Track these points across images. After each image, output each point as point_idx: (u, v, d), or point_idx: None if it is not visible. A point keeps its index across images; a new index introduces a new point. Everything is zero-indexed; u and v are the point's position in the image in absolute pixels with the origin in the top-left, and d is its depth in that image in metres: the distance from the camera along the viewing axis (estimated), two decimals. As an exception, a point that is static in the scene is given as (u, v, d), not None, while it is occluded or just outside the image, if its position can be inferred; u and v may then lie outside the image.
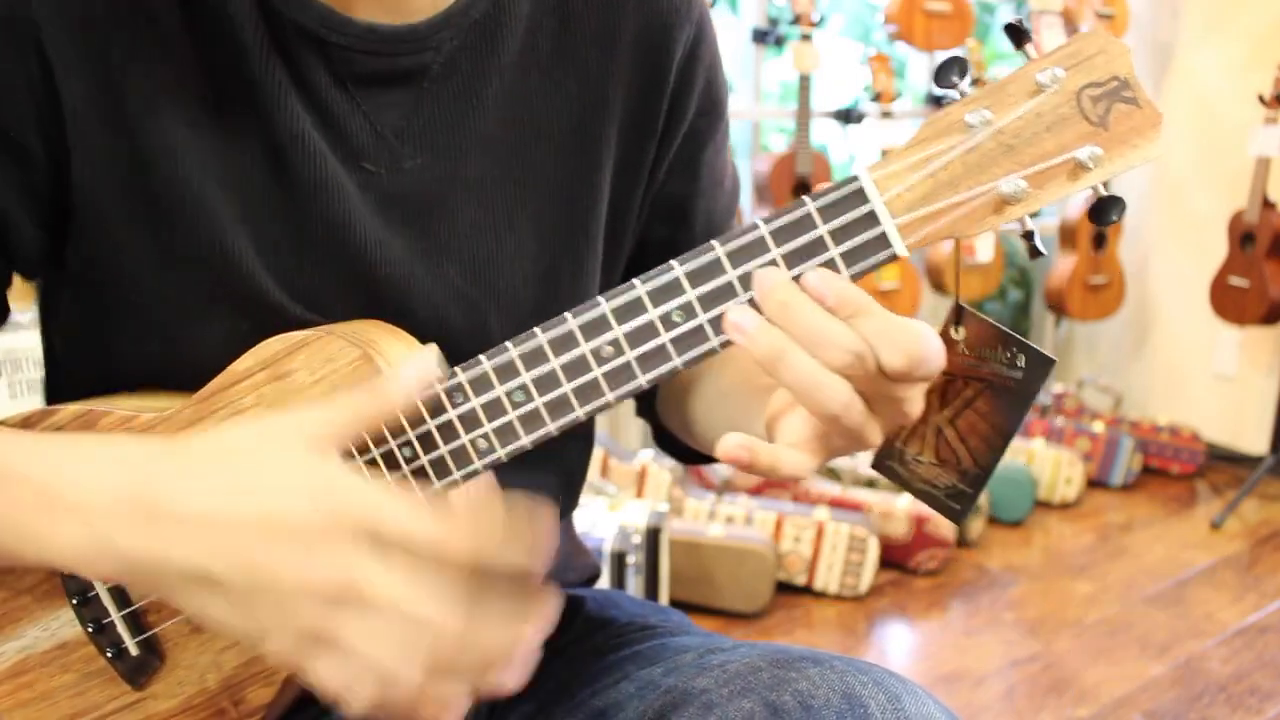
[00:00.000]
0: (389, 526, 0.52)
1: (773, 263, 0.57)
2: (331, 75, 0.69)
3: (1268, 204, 2.96)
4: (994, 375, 0.62)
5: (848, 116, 2.99)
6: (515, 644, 0.54)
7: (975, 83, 3.01)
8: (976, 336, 0.63)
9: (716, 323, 0.58)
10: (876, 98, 2.97)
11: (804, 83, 2.73)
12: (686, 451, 0.88)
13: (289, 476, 0.54)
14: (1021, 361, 0.60)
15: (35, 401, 0.79)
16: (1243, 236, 3.01)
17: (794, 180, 2.76)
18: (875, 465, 0.69)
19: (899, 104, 3.02)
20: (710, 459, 0.87)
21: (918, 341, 0.54)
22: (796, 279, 0.57)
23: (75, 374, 0.76)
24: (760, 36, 2.86)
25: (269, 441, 0.56)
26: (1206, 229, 3.17)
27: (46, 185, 0.67)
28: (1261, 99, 2.93)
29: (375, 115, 0.70)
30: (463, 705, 0.54)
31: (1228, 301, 3.06)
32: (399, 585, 0.52)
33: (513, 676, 0.54)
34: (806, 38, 2.71)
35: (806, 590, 2.44)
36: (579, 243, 0.77)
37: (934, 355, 0.55)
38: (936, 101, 3.25)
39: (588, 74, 0.76)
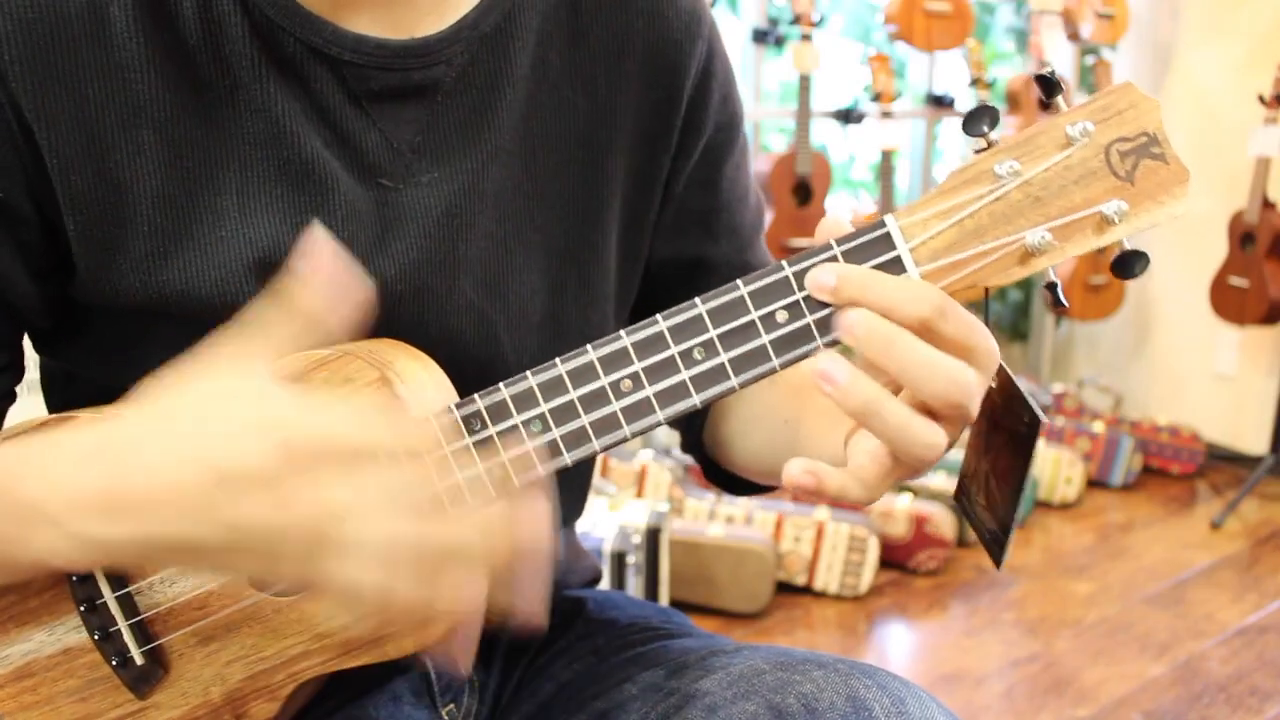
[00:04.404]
0: (342, 441, 0.52)
1: (796, 303, 0.57)
2: (345, 93, 0.68)
3: (1268, 204, 2.96)
4: (1013, 427, 0.63)
5: (848, 116, 2.99)
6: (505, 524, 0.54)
7: (975, 83, 3.01)
8: (1002, 384, 0.63)
9: (736, 361, 0.58)
10: (876, 98, 2.97)
11: (804, 83, 2.73)
12: (737, 483, 0.87)
13: (232, 421, 0.53)
14: (1026, 417, 0.61)
15: (36, 401, 0.79)
16: (1243, 236, 3.01)
17: (794, 180, 2.76)
18: (955, 498, 0.71)
19: (899, 104, 3.02)
20: (761, 488, 0.86)
21: (934, 291, 0.55)
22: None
23: (79, 388, 0.76)
24: (760, 36, 2.86)
25: (205, 390, 0.55)
26: (1206, 229, 3.17)
27: (41, 239, 0.67)
28: (1261, 99, 2.94)
29: (390, 131, 0.70)
30: (477, 592, 0.54)
31: (1228, 301, 3.06)
32: (371, 495, 0.51)
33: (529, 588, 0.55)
34: (806, 38, 2.71)
35: (806, 590, 2.44)
36: (585, 256, 0.77)
37: (988, 337, 0.56)
38: (936, 101, 3.25)
39: (596, 89, 0.76)
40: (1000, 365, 0.61)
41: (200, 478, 0.52)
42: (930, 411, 0.56)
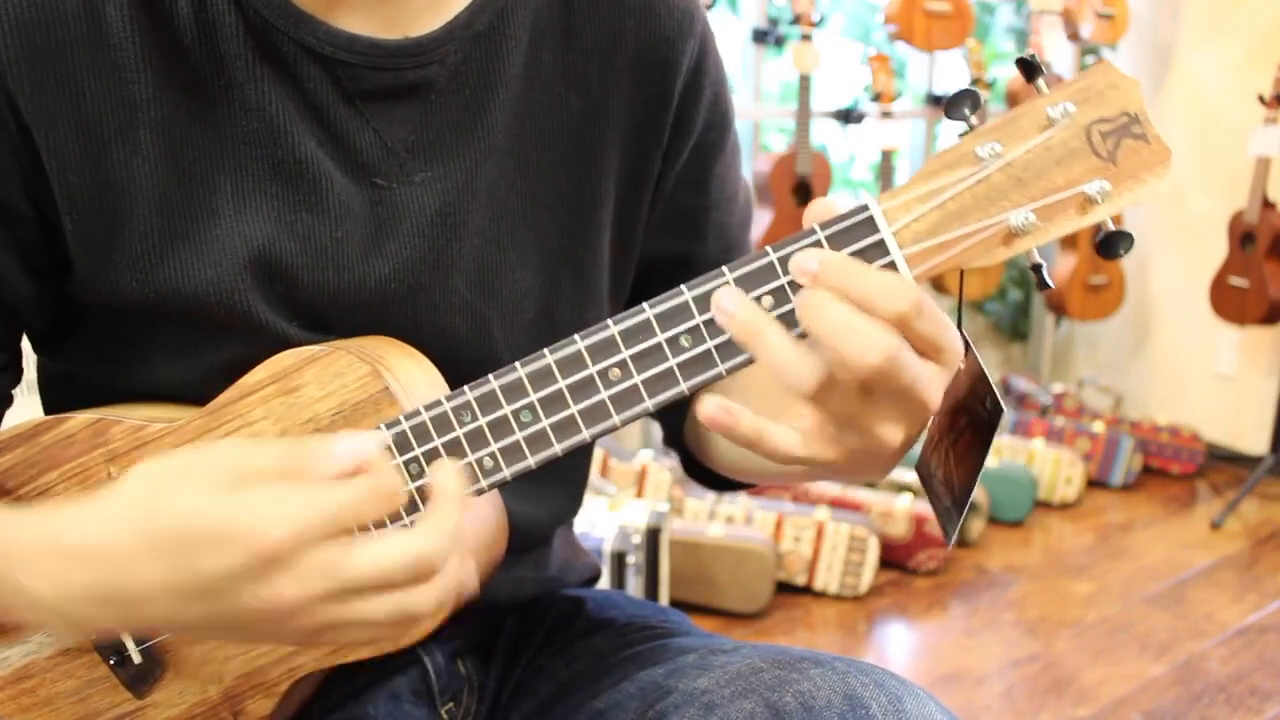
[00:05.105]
0: (317, 530, 0.53)
1: (781, 288, 0.57)
2: (339, 92, 0.68)
3: (1268, 204, 2.96)
4: (976, 411, 0.63)
5: (848, 116, 2.99)
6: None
7: (975, 83, 3.01)
8: (970, 369, 0.63)
9: (723, 348, 0.58)
10: (876, 98, 2.97)
11: (804, 83, 2.73)
12: (717, 480, 0.88)
13: (209, 528, 0.53)
14: (988, 403, 0.62)
15: (34, 401, 0.79)
16: (1243, 236, 3.01)
17: (794, 180, 2.76)
18: (916, 468, 0.71)
19: (899, 104, 3.02)
20: (739, 485, 0.87)
21: (913, 288, 0.55)
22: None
23: (77, 389, 0.77)
24: (760, 36, 2.86)
25: (184, 494, 0.55)
26: (1206, 229, 3.17)
27: (38, 238, 0.67)
28: (1261, 99, 2.94)
29: (384, 130, 0.70)
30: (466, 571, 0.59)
31: (1228, 301, 3.06)
32: (350, 568, 0.54)
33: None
34: (806, 38, 2.71)
35: (806, 590, 2.44)
36: (579, 253, 0.78)
37: (957, 338, 0.56)
38: (936, 101, 3.25)
39: (588, 87, 0.76)
40: (970, 349, 0.62)
41: (186, 581, 0.54)
42: (868, 389, 0.55)
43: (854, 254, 0.56)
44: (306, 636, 0.56)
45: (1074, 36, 3.26)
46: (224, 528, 0.53)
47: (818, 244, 0.57)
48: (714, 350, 0.58)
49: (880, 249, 0.56)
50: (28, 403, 0.78)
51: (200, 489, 0.54)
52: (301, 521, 0.53)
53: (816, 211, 0.58)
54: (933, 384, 0.56)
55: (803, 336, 0.57)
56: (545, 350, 0.60)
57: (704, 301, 0.58)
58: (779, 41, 2.86)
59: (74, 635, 0.60)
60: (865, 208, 0.56)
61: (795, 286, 0.57)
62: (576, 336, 0.59)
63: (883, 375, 0.54)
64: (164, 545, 0.54)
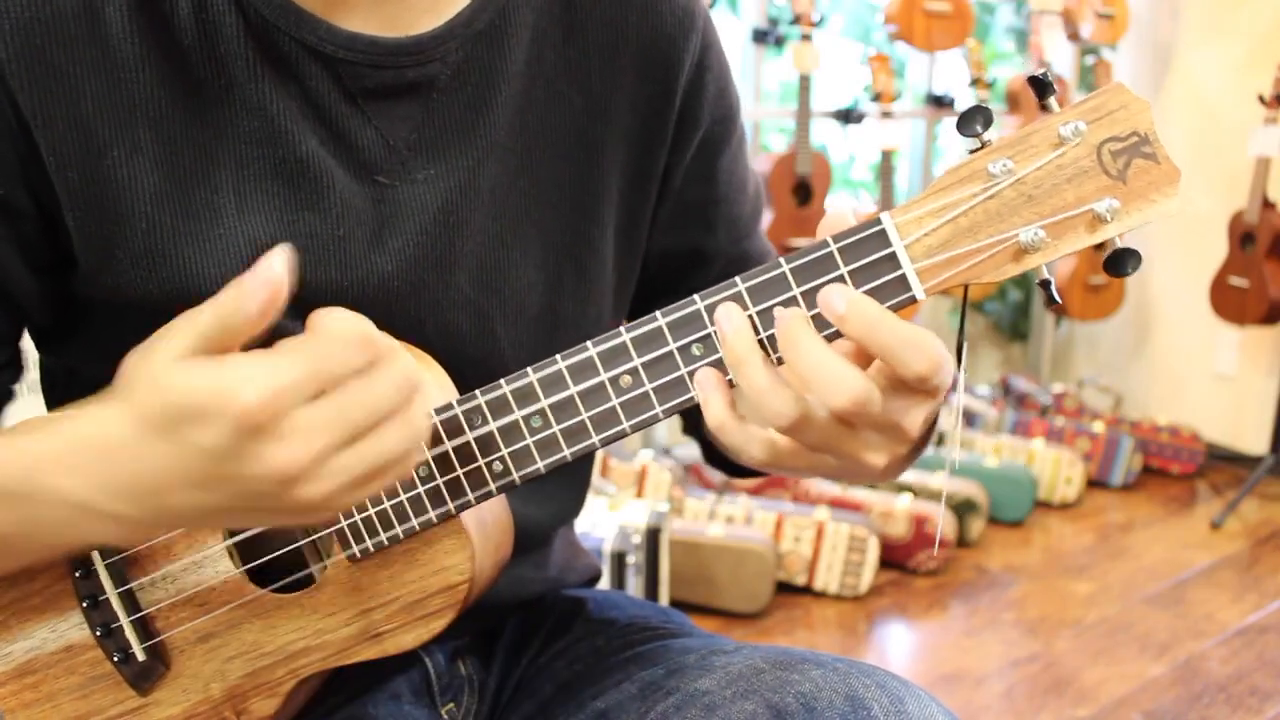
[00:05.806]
0: (288, 392, 0.52)
1: (793, 300, 0.57)
2: (341, 91, 0.69)
3: (1268, 204, 2.97)
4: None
5: (848, 116, 2.99)
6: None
7: (975, 83, 3.02)
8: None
9: None
10: (876, 98, 2.97)
11: (804, 83, 2.73)
12: (735, 468, 0.88)
13: (191, 402, 0.52)
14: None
15: (35, 401, 0.80)
16: (1243, 236, 3.01)
17: (794, 180, 2.76)
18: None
19: (899, 104, 3.02)
20: (757, 473, 0.87)
21: (937, 347, 0.56)
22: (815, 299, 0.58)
23: (79, 386, 0.77)
24: (760, 36, 2.86)
25: (164, 369, 0.54)
26: (1206, 229, 3.18)
27: (41, 234, 0.67)
28: (1261, 99, 2.94)
29: (386, 128, 0.70)
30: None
31: (1228, 301, 3.06)
32: (342, 415, 0.52)
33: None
34: (806, 38, 2.71)
35: (806, 590, 2.45)
36: (582, 250, 0.78)
37: (949, 362, 0.57)
38: (936, 101, 3.25)
39: (590, 85, 0.76)
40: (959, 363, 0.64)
41: (191, 462, 0.53)
42: (847, 421, 0.57)
43: (865, 267, 0.57)
44: (329, 499, 0.53)
45: (1074, 36, 3.26)
46: (202, 400, 0.51)
47: (830, 257, 0.57)
48: (725, 359, 0.59)
49: (892, 262, 0.57)
50: (28, 403, 0.78)
51: (178, 361, 0.53)
52: (272, 385, 0.51)
53: (830, 223, 0.58)
54: (916, 417, 0.58)
55: (783, 360, 0.58)
56: (557, 356, 0.60)
57: (714, 310, 0.58)
58: (779, 41, 2.86)
59: (122, 534, 0.57)
60: (878, 221, 0.57)
61: (809, 297, 0.57)
62: (589, 343, 0.60)
63: (855, 415, 0.55)
64: (159, 427, 0.53)
